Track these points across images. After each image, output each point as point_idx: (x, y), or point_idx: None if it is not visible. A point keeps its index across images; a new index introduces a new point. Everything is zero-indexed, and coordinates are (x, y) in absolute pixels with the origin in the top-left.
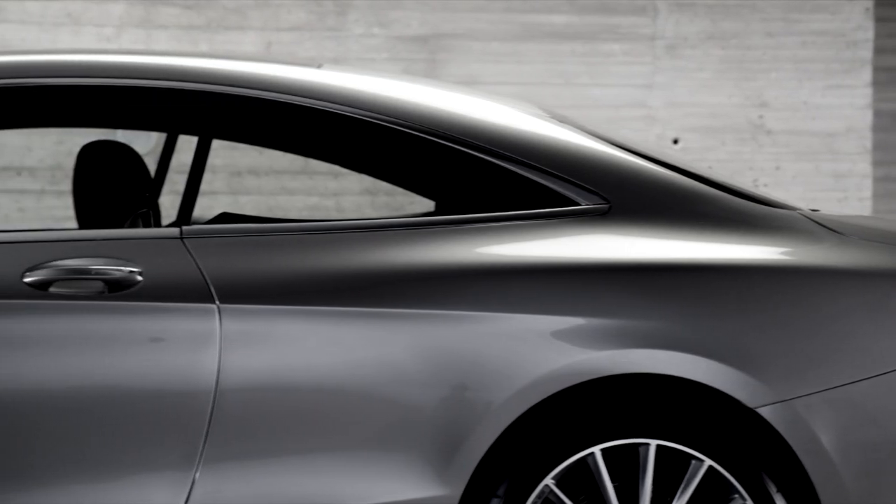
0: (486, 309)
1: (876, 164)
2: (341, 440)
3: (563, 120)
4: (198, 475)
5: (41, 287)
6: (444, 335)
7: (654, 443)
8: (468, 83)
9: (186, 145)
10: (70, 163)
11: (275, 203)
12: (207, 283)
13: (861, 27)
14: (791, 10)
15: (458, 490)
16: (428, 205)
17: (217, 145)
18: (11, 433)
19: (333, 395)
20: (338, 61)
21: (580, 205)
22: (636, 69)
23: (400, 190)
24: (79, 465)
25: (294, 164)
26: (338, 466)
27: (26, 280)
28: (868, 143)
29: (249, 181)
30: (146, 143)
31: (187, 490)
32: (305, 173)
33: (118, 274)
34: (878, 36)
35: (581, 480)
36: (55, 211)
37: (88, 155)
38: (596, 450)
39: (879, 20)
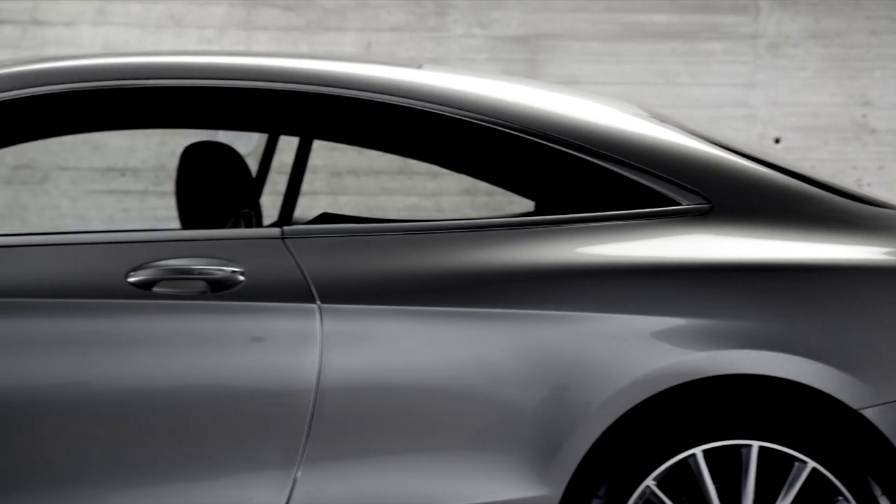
0: (586, 309)
1: None
2: (441, 440)
3: (663, 119)
4: (299, 474)
5: (145, 287)
6: (544, 335)
7: (756, 444)
8: (568, 83)
9: (286, 146)
10: (172, 163)
11: (374, 203)
12: (308, 283)
13: None
14: (895, 8)
15: (558, 490)
16: (528, 205)
17: (317, 146)
18: (116, 433)
19: (433, 394)
20: (438, 62)
21: (681, 204)
22: (737, 68)
23: (499, 190)
24: (182, 465)
25: (393, 165)
26: (438, 466)
27: (130, 280)
28: None
29: (349, 181)
30: (247, 144)
31: (289, 489)
32: (404, 173)
33: (220, 274)
34: None
35: (682, 481)
36: (158, 211)
37: (191, 156)
38: (697, 451)
39: None
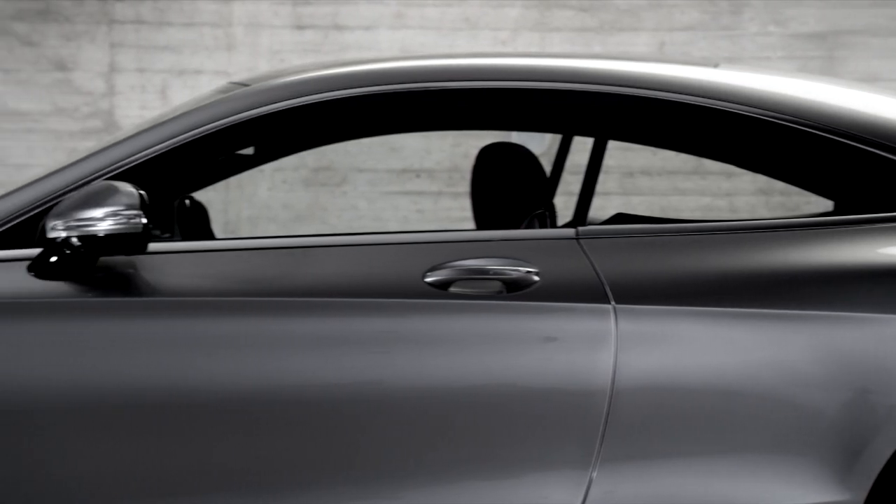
0: (888, 311)
1: None
2: (738, 442)
3: None
4: (595, 474)
5: (441, 287)
6: (844, 337)
7: None
8: (868, 81)
9: (578, 146)
10: (466, 165)
11: (667, 203)
12: (603, 284)
13: None
14: None
15: (860, 496)
16: (825, 204)
17: (610, 145)
18: (413, 431)
19: (730, 396)
20: (732, 60)
21: None
22: None
23: (795, 189)
24: (477, 463)
25: (686, 165)
26: (735, 469)
27: (427, 280)
28: None
29: (642, 181)
30: (540, 144)
31: (584, 489)
32: (698, 173)
33: (515, 274)
34: None
35: None
36: (452, 212)
37: (486, 157)
38: None
39: None
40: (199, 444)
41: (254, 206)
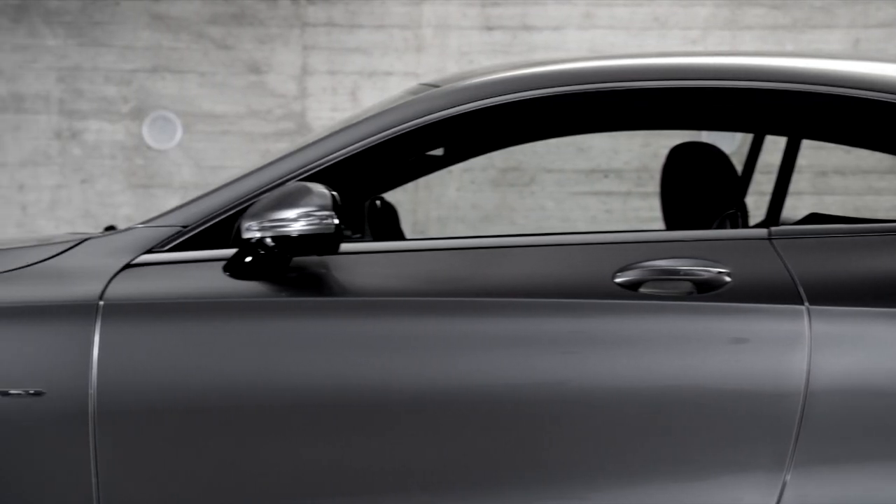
0: None
1: None
2: None
3: None
4: (788, 477)
5: (631, 287)
6: None
7: None
8: None
9: (770, 145)
10: (655, 164)
11: (861, 203)
12: (796, 284)
13: None
14: None
15: None
16: None
17: (802, 144)
18: (601, 431)
19: None
20: None
21: None
22: None
23: None
24: (666, 464)
25: (882, 164)
26: None
27: (617, 280)
28: None
29: (835, 181)
30: (731, 143)
31: (778, 492)
32: (894, 172)
33: (706, 275)
34: None
35: None
36: (640, 212)
37: (677, 156)
38: None
39: None
40: (391, 443)
41: (442, 207)
